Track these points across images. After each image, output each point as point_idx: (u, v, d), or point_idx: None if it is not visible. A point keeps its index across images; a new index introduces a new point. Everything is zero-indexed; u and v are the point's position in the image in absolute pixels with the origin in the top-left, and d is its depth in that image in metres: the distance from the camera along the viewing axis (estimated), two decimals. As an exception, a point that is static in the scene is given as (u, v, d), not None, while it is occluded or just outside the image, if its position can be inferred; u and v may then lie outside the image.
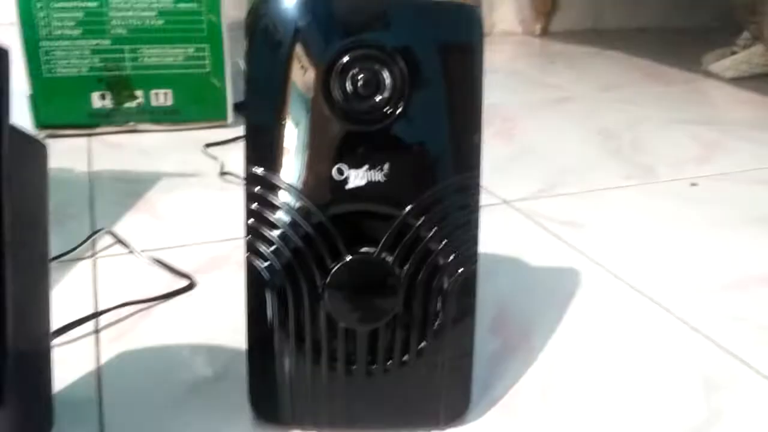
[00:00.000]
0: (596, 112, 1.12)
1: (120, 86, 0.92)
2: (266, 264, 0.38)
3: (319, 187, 0.37)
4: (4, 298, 0.29)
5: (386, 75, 0.37)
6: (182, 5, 0.90)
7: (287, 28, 0.37)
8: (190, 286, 0.57)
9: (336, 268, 0.38)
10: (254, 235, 0.38)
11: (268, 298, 0.39)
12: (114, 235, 0.65)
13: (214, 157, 0.86)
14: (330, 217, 0.37)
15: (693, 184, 0.83)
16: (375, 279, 0.38)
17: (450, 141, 0.38)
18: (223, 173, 0.82)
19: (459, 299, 0.39)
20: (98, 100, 0.92)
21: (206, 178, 0.81)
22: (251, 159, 0.38)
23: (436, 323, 0.39)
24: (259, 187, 0.38)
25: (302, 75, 0.37)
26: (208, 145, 0.90)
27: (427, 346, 0.39)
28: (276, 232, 0.38)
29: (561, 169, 0.87)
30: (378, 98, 0.37)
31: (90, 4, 0.87)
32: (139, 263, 0.61)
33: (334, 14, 0.37)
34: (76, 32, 0.88)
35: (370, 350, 0.39)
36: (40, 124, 0.91)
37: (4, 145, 0.28)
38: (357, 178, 0.37)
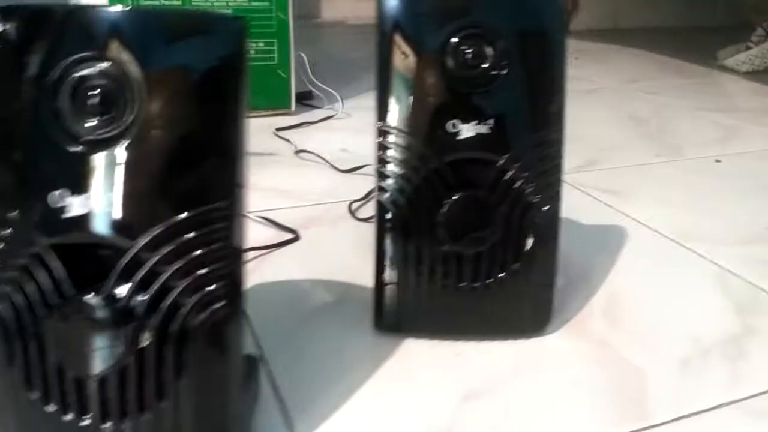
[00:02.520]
0: (624, 101, 1.22)
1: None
2: (392, 200, 0.48)
3: (436, 138, 0.47)
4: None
5: (488, 49, 0.47)
6: (256, 4, 1.01)
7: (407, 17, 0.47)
8: (296, 238, 0.67)
9: (449, 203, 0.48)
10: (382, 177, 0.48)
11: (393, 230, 0.49)
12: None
13: (287, 140, 0.96)
14: (444, 162, 0.47)
15: (717, 161, 0.93)
16: (479, 212, 0.48)
17: (535, 104, 0.48)
18: (297, 152, 0.92)
19: (546, 231, 0.49)
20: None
21: (283, 157, 0.91)
22: (381, 117, 0.48)
23: (527, 250, 0.49)
24: (387, 139, 0.48)
25: (422, 52, 0.47)
26: (279, 129, 1.01)
27: (520, 268, 0.49)
28: (400, 175, 0.48)
29: (599, 149, 0.97)
30: (483, 67, 0.47)
31: (174, 2, 0.98)
32: (248, 222, 0.71)
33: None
34: (162, 28, 0.98)
35: (474, 270, 0.49)
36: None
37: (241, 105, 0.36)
38: (467, 130, 0.47)
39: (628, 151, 0.96)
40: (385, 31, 0.48)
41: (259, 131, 1.02)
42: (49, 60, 0.34)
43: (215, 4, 0.99)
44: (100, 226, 0.34)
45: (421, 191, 0.48)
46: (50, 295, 0.34)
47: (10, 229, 0.34)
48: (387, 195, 0.48)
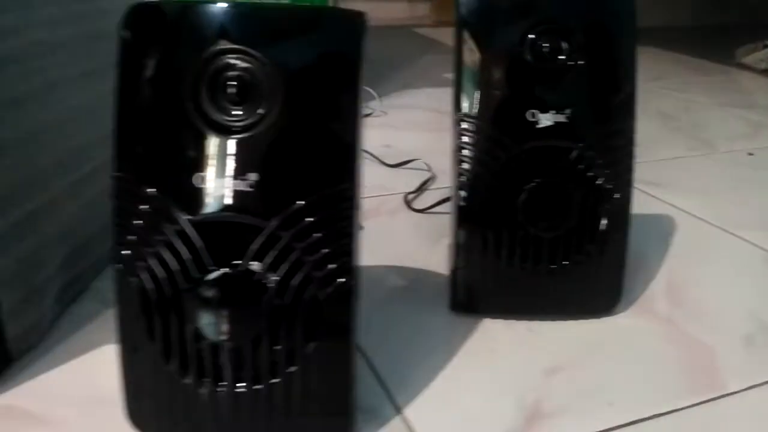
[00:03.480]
0: (652, 99, 1.25)
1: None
2: (471, 185, 0.51)
3: (516, 127, 0.50)
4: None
5: (564, 43, 0.50)
6: (302, 2, 1.03)
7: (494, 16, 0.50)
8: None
9: (528, 189, 0.50)
10: (461, 164, 0.51)
11: (472, 214, 0.51)
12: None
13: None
14: (524, 149, 0.50)
15: (750, 154, 0.96)
16: (556, 198, 0.51)
17: (608, 95, 0.51)
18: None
19: (618, 216, 0.52)
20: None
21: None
22: (459, 107, 0.51)
23: (601, 234, 0.52)
24: (465, 128, 0.51)
25: (501, 47, 0.50)
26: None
27: (594, 250, 0.52)
28: (480, 162, 0.51)
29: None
30: (559, 60, 0.50)
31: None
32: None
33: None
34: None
35: (551, 253, 0.52)
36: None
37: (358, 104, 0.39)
38: (545, 119, 0.50)
39: (663, 146, 0.99)
40: (463, 28, 0.51)
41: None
42: (193, 52, 0.37)
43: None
44: (239, 206, 0.37)
45: (501, 177, 0.51)
46: (191, 269, 0.37)
47: (149, 206, 0.37)
48: (466, 181, 0.51)
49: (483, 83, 0.51)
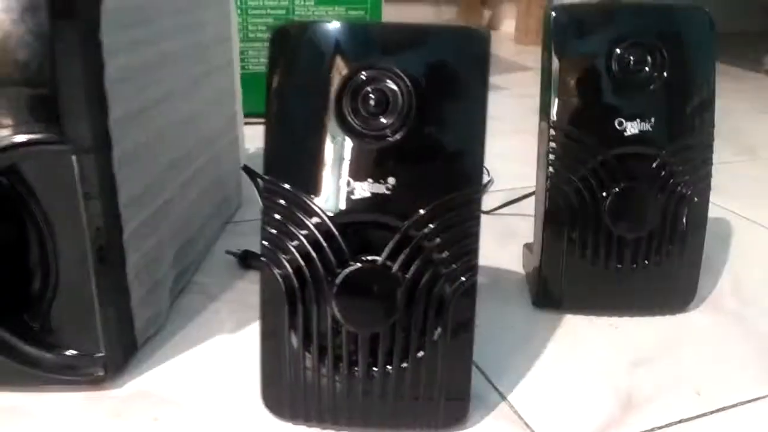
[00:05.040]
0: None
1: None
2: (560, 188, 0.54)
3: (604, 133, 0.53)
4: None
5: (648, 57, 0.53)
6: (352, 13, 1.07)
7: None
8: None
9: (614, 192, 0.54)
10: (549, 167, 0.55)
11: (559, 215, 0.55)
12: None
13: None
14: (612, 155, 0.54)
15: (793, 160, 0.99)
16: (640, 202, 0.54)
17: (688, 106, 0.54)
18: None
19: (696, 219, 0.55)
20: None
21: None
22: (546, 115, 0.54)
23: (680, 235, 0.55)
24: (554, 134, 0.54)
25: (590, 59, 0.54)
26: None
27: (673, 251, 0.55)
28: (568, 166, 0.54)
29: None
30: (644, 72, 0.53)
31: (279, 12, 1.04)
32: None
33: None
34: (266, 35, 1.05)
35: (634, 253, 0.55)
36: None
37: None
38: (632, 127, 0.53)
39: (707, 151, 1.02)
40: (553, 40, 0.54)
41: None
42: (335, 68, 0.40)
43: (315, 13, 1.06)
44: (376, 207, 0.40)
45: (588, 181, 0.54)
46: (331, 262, 0.40)
47: (294, 204, 0.41)
48: (553, 184, 0.55)
49: (571, 93, 0.54)
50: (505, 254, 0.67)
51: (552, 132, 0.55)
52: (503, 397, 0.47)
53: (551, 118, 0.54)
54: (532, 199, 0.59)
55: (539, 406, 0.47)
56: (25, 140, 0.41)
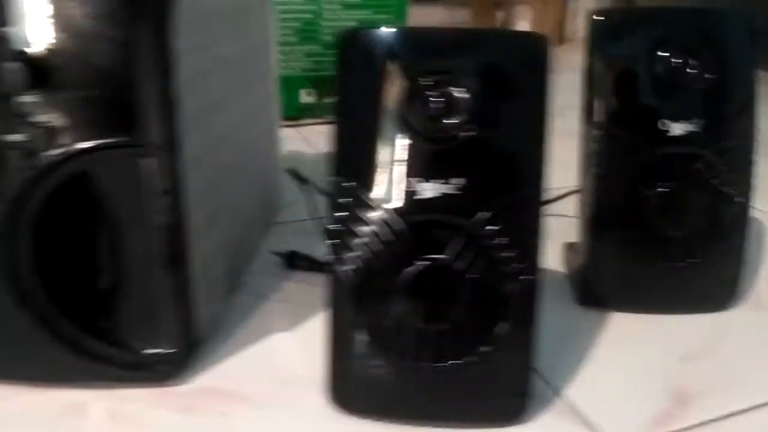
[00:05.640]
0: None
1: (323, 84, 1.10)
2: (602, 189, 0.56)
3: (649, 135, 0.55)
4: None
5: (692, 60, 0.55)
6: (379, 16, 1.08)
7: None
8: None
9: (659, 192, 0.55)
10: (592, 167, 0.56)
11: (603, 215, 0.56)
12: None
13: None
14: (656, 156, 0.55)
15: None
16: (684, 202, 0.55)
17: (729, 107, 0.56)
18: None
19: (738, 219, 0.57)
20: (305, 96, 1.10)
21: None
22: (590, 117, 0.56)
23: (724, 235, 0.57)
24: (599, 135, 0.56)
25: (633, 62, 0.55)
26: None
27: (718, 249, 0.57)
28: (611, 167, 0.55)
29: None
30: (687, 74, 0.55)
31: (307, 16, 1.06)
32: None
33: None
34: (294, 39, 1.07)
35: (680, 252, 0.56)
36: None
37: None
38: (676, 128, 0.55)
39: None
40: (596, 43, 0.56)
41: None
42: (402, 71, 0.42)
43: (342, 17, 1.07)
44: (443, 207, 0.42)
45: (633, 182, 0.55)
46: (399, 261, 0.42)
47: (362, 206, 0.42)
48: (598, 185, 0.56)
49: (616, 95, 0.55)
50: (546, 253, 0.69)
51: (597, 133, 0.56)
52: (557, 393, 0.49)
53: (596, 119, 0.56)
54: (567, 199, 0.61)
55: (593, 401, 0.48)
56: (99, 144, 0.42)
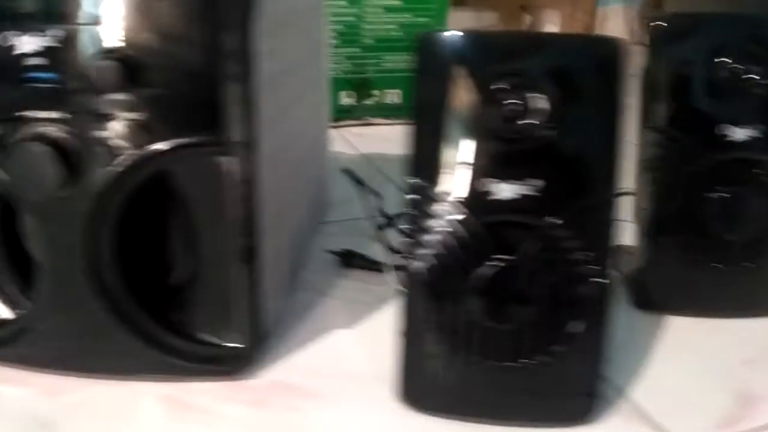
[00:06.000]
0: None
1: (362, 87, 1.11)
2: (660, 194, 0.56)
3: (710, 140, 0.55)
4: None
5: (752, 66, 0.55)
6: (419, 19, 1.09)
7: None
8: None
9: (720, 197, 0.55)
10: (649, 172, 0.56)
11: (662, 219, 0.57)
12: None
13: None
14: (716, 161, 0.55)
15: None
16: (745, 206, 0.56)
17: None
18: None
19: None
20: (345, 98, 1.12)
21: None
22: (648, 121, 0.56)
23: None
24: (657, 140, 0.56)
25: (692, 68, 0.55)
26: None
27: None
28: (671, 171, 0.56)
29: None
30: (749, 79, 0.55)
31: (349, 19, 1.07)
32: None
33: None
34: (336, 41, 1.08)
35: (740, 255, 0.56)
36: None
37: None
38: (738, 134, 0.55)
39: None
40: (654, 48, 0.56)
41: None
42: (479, 74, 0.43)
43: (383, 19, 1.08)
44: (518, 207, 0.42)
45: (694, 185, 0.56)
46: (472, 261, 0.43)
47: (439, 206, 0.43)
48: (656, 190, 0.57)
49: (676, 99, 0.56)
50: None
51: (656, 137, 0.56)
52: (621, 395, 0.49)
53: (655, 124, 0.56)
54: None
55: (658, 403, 0.48)
56: (184, 142, 0.43)
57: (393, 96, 1.13)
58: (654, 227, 0.57)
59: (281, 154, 0.53)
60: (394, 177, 0.89)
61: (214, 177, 0.45)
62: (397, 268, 0.65)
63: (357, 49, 1.09)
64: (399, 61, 1.11)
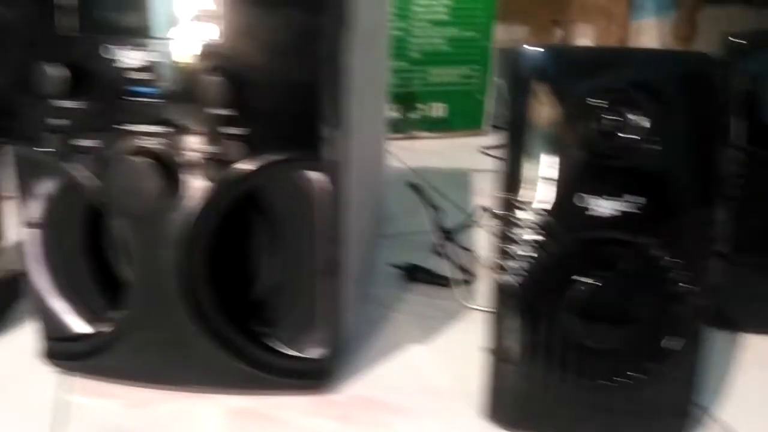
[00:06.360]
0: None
1: (408, 100, 1.12)
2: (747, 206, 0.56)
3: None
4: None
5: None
6: (466, 34, 1.10)
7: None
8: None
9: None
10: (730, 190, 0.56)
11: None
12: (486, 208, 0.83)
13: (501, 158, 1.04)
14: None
15: None
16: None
17: None
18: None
19: None
20: (391, 112, 1.12)
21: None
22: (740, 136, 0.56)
23: None
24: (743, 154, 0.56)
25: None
26: (485, 149, 1.09)
27: None
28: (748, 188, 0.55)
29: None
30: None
31: (397, 33, 1.08)
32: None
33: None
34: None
35: None
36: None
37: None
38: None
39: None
40: (737, 65, 0.56)
41: (462, 149, 1.10)
42: (582, 90, 0.42)
43: (430, 33, 1.09)
44: (617, 224, 0.42)
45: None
46: (569, 278, 0.42)
47: (532, 221, 0.43)
48: (735, 207, 0.56)
49: (754, 115, 0.55)
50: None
51: (735, 154, 0.56)
52: (709, 414, 0.48)
53: (734, 140, 0.56)
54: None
55: (746, 422, 0.47)
56: (283, 158, 0.43)
57: (438, 109, 1.13)
58: (732, 245, 0.57)
59: (357, 168, 0.53)
60: (445, 191, 0.90)
61: (306, 191, 0.45)
62: (465, 282, 0.65)
63: (404, 63, 1.09)
64: (445, 75, 1.11)
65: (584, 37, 2.24)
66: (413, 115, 1.12)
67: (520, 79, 0.44)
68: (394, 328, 0.58)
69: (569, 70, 0.43)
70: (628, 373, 0.43)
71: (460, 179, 0.97)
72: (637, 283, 0.42)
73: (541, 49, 0.43)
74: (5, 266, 0.58)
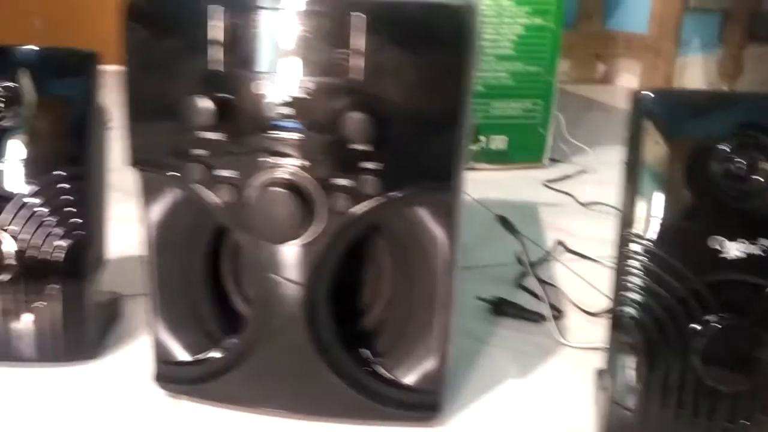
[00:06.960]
0: None
1: (472, 133, 1.12)
2: None
3: None
4: None
5: None
6: (529, 68, 1.11)
7: None
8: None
9: None
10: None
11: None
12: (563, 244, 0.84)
13: (567, 192, 1.05)
14: None
15: None
16: None
17: None
18: (584, 204, 1.00)
19: None
20: (452, 143, 1.13)
21: (569, 207, 1.00)
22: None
23: None
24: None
25: None
26: (549, 182, 1.09)
27: None
28: None
29: None
30: None
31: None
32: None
33: None
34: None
35: None
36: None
37: None
38: None
39: None
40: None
41: (525, 182, 1.11)
42: (711, 136, 0.43)
43: (495, 67, 1.10)
44: (747, 267, 0.42)
45: None
46: (696, 320, 0.43)
47: (654, 263, 0.43)
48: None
49: None
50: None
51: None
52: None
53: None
54: None
55: None
56: (414, 192, 0.44)
57: (498, 142, 1.14)
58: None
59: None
60: (513, 222, 0.90)
61: (429, 224, 0.46)
62: (554, 318, 0.65)
63: (467, 96, 1.11)
64: (506, 108, 1.13)
65: (628, 73, 2.25)
66: (474, 147, 1.13)
67: (646, 122, 0.45)
68: (491, 363, 0.58)
69: (697, 114, 0.44)
70: (753, 416, 0.43)
71: (527, 212, 0.97)
72: (763, 327, 0.42)
73: (671, 93, 0.45)
74: (106, 288, 0.60)
